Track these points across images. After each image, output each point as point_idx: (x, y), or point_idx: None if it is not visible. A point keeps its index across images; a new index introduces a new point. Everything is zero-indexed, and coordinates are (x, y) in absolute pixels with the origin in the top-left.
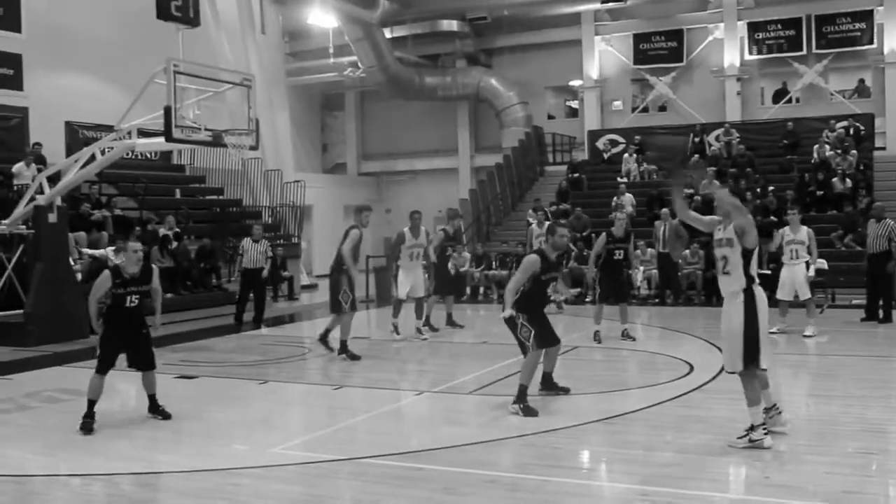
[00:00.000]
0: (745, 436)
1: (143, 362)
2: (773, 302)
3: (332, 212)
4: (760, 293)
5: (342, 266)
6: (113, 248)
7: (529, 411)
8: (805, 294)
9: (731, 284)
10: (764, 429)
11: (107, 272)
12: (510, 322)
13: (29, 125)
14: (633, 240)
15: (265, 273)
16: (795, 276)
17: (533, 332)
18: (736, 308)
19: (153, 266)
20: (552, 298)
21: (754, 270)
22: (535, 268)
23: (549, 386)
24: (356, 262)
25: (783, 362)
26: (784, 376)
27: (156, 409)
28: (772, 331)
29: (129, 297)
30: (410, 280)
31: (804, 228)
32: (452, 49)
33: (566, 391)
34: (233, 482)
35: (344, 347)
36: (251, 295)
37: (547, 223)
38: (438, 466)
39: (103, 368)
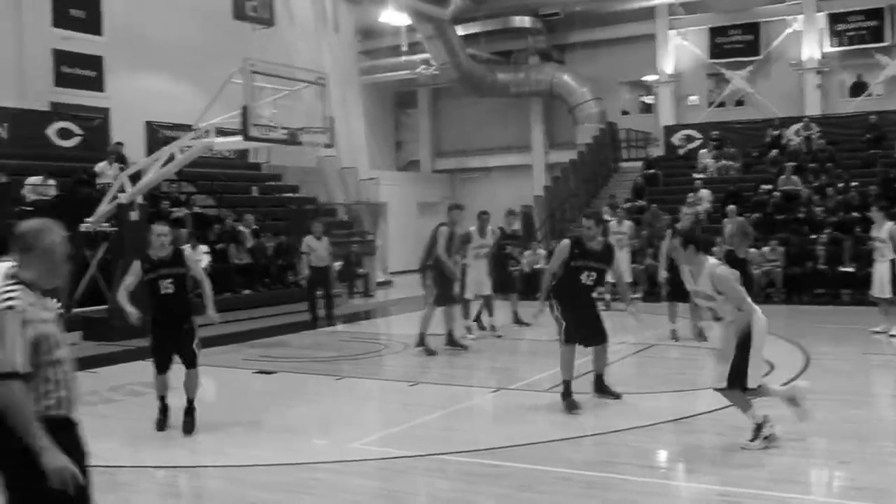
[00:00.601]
0: (755, 437)
1: (185, 358)
2: (859, 300)
3: (406, 209)
4: (759, 318)
5: (427, 263)
6: (190, 244)
7: (572, 406)
8: (885, 293)
9: (727, 318)
10: (770, 424)
11: (136, 261)
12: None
13: (110, 125)
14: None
15: (335, 269)
16: (878, 274)
17: (564, 326)
18: (732, 333)
19: (184, 249)
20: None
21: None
22: (565, 253)
23: (600, 388)
24: (451, 257)
25: (868, 363)
26: (869, 377)
27: (190, 414)
28: (875, 330)
29: (161, 283)
30: (475, 278)
31: (887, 225)
32: (525, 45)
33: (617, 396)
34: (313, 476)
35: (421, 341)
36: (319, 292)
37: (626, 222)
38: (515, 463)
39: (158, 367)
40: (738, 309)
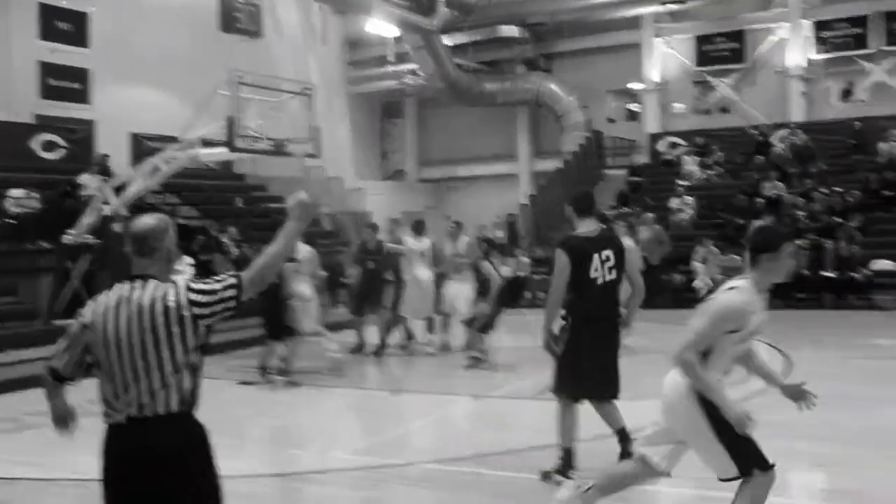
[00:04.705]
0: None
1: None
2: (839, 304)
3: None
4: None
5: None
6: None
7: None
8: None
9: None
10: None
11: None
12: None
13: (96, 137)
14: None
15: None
16: None
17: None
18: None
19: None
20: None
21: None
22: None
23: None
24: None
25: (848, 366)
26: (849, 381)
27: None
28: None
29: None
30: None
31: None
32: (512, 55)
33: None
34: (295, 487)
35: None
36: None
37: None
38: (497, 472)
39: None
40: None
